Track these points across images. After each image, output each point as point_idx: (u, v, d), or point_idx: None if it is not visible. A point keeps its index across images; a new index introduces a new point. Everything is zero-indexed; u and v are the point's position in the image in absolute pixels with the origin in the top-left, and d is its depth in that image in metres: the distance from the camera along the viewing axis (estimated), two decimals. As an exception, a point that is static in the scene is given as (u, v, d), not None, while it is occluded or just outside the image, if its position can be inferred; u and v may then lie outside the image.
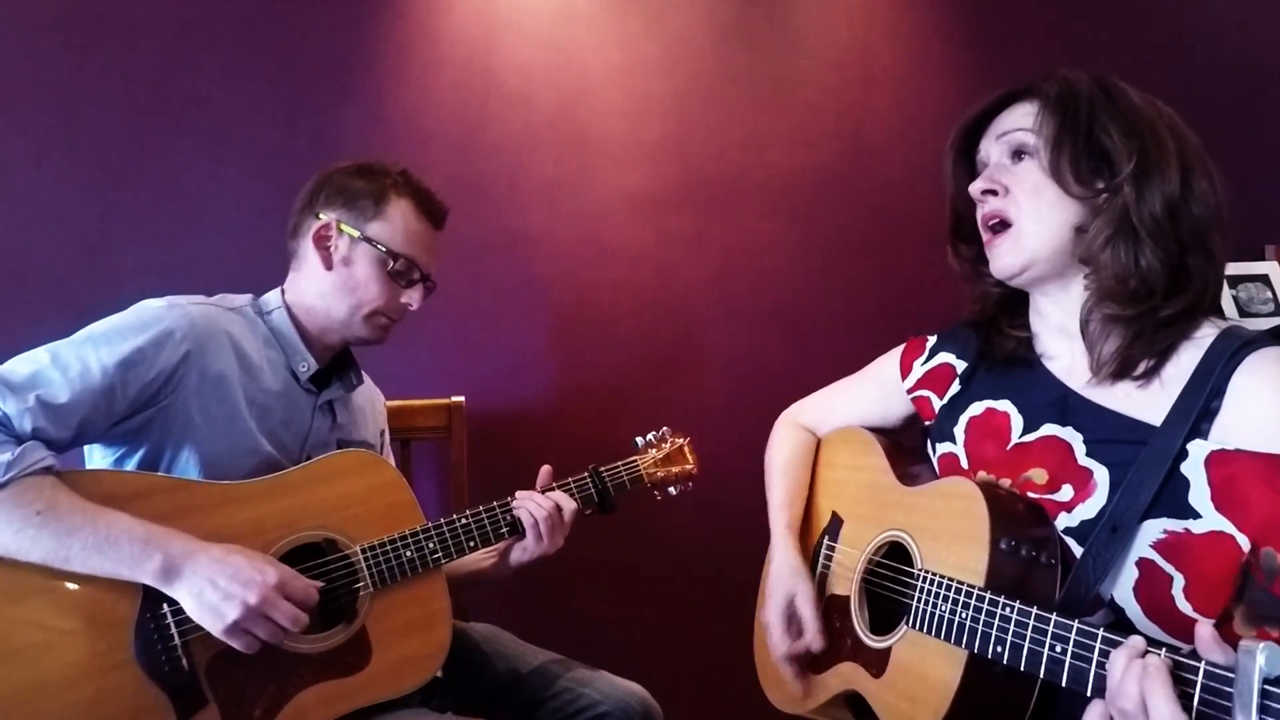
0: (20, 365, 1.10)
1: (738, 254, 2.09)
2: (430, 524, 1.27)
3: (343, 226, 1.32)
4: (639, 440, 1.53)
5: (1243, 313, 2.20)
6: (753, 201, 2.10)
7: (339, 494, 1.24)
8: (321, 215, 1.33)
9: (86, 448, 1.24)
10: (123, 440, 1.20)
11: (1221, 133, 2.39)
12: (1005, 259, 1.01)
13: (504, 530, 1.33)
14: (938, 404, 1.17)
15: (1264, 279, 2.28)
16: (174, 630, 1.08)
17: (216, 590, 1.05)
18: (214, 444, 1.21)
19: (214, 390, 1.21)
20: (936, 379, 1.19)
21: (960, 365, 1.17)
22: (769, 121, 2.11)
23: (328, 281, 1.32)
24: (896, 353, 1.28)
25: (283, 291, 1.36)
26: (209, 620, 1.05)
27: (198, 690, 1.09)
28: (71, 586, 1.06)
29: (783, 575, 1.20)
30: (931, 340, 1.24)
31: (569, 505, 1.35)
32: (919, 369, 1.23)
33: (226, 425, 1.22)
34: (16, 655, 1.02)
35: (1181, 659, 0.71)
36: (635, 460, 1.48)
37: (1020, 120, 1.01)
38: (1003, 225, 1.01)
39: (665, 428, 1.55)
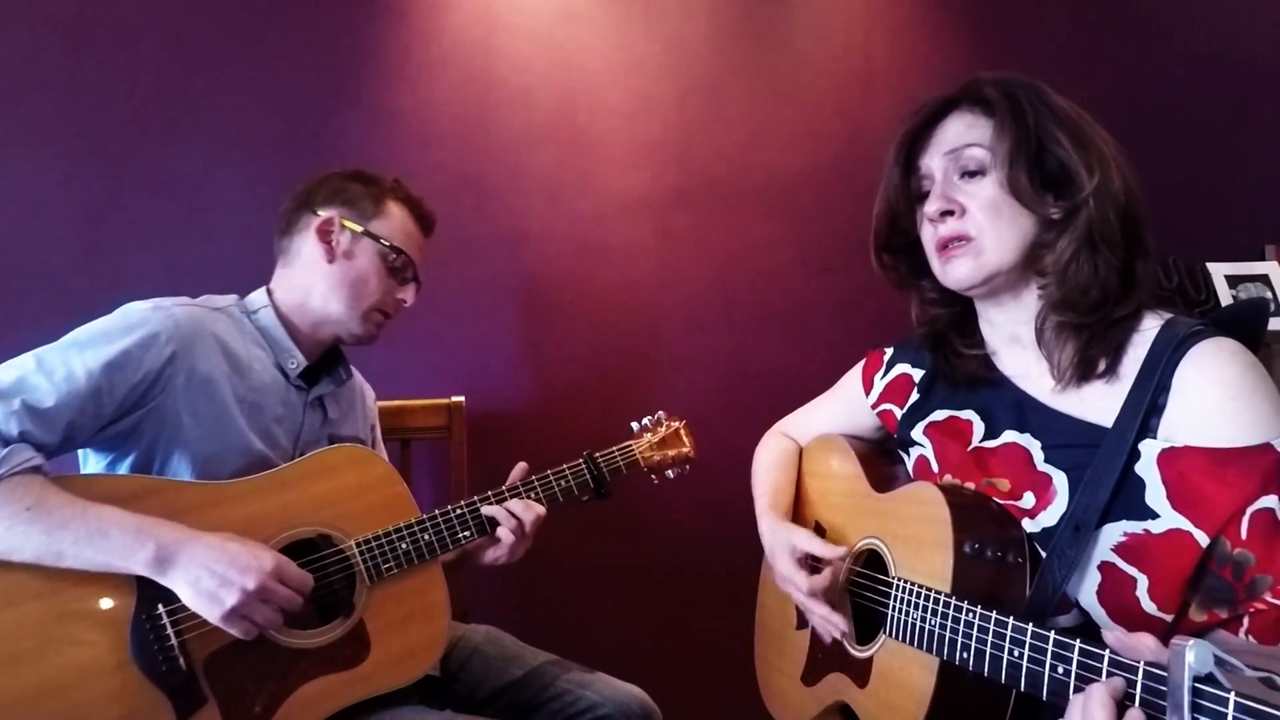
0: (5, 371, 1.11)
1: (738, 254, 2.09)
2: (425, 516, 1.28)
3: (345, 222, 1.35)
4: (634, 425, 1.53)
5: (1234, 302, 2.20)
6: (753, 201, 2.10)
7: (332, 489, 1.25)
8: (320, 212, 1.36)
9: (81, 454, 1.25)
10: (114, 444, 1.20)
11: (1221, 132, 2.41)
12: (962, 272, 0.99)
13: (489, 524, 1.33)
14: (899, 414, 1.17)
15: (1264, 279, 2.29)
16: (169, 630, 1.09)
17: (214, 576, 1.06)
18: (205, 444, 1.21)
19: (202, 390, 1.22)
20: (896, 391, 1.20)
21: (918, 374, 1.17)
22: (769, 121, 2.11)
23: (330, 275, 1.34)
24: (859, 369, 1.29)
25: (269, 291, 1.37)
26: (206, 607, 1.06)
27: (197, 689, 1.10)
28: (67, 589, 1.06)
29: (776, 536, 1.20)
30: (888, 352, 1.25)
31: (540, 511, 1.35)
32: (879, 383, 1.23)
33: (216, 425, 1.23)
34: (15, 660, 1.03)
35: (1119, 657, 0.71)
36: (630, 445, 1.47)
37: (966, 134, 0.99)
38: (960, 241, 0.99)
39: (660, 411, 1.54)
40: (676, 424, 1.53)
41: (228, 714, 1.11)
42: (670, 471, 1.51)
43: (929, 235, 1.04)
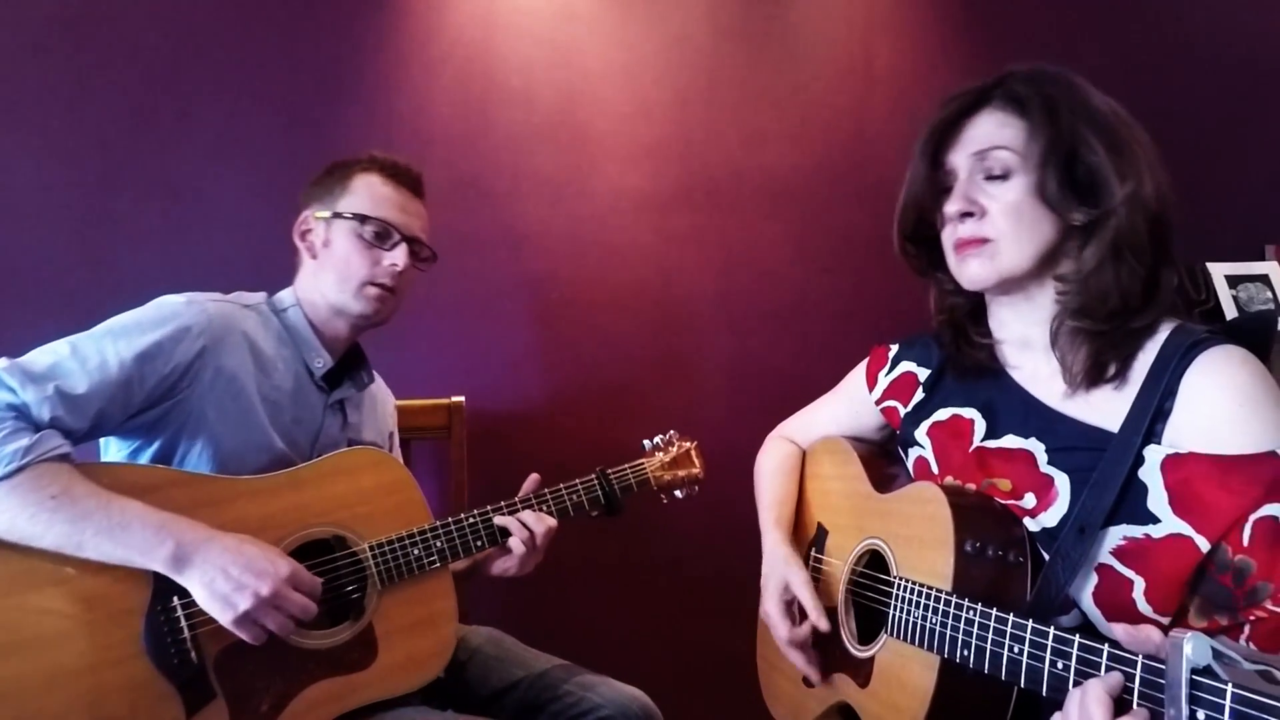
0: (41, 356, 1.12)
1: (738, 254, 2.09)
2: (438, 523, 1.29)
3: (317, 215, 1.36)
4: (646, 443, 1.54)
5: (1243, 313, 2.20)
6: (753, 201, 2.10)
7: (349, 491, 1.25)
8: (302, 214, 1.38)
9: (102, 441, 1.26)
10: (138, 434, 1.21)
11: (1221, 132, 2.41)
12: (977, 272, 1.00)
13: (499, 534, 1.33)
14: (903, 412, 1.18)
15: (1264, 279, 2.29)
16: (184, 623, 1.09)
17: (229, 580, 1.06)
18: (227, 440, 1.22)
19: (228, 386, 1.23)
20: (901, 388, 1.20)
21: (923, 373, 1.17)
22: (769, 121, 2.11)
23: (317, 268, 1.36)
24: (862, 365, 1.29)
25: (295, 290, 1.40)
26: (219, 609, 1.06)
27: (206, 683, 1.10)
28: (84, 577, 1.06)
29: (774, 565, 1.21)
30: (893, 349, 1.25)
31: (552, 524, 1.36)
32: (883, 380, 1.24)
33: (240, 421, 1.24)
34: (30, 644, 1.03)
35: (1118, 652, 0.72)
36: (642, 463, 1.49)
37: (996, 134, 0.98)
38: (977, 243, 0.99)
39: (673, 431, 1.56)
40: (688, 445, 1.55)
41: (235, 711, 1.11)
42: (679, 491, 1.53)
43: (948, 233, 1.04)
